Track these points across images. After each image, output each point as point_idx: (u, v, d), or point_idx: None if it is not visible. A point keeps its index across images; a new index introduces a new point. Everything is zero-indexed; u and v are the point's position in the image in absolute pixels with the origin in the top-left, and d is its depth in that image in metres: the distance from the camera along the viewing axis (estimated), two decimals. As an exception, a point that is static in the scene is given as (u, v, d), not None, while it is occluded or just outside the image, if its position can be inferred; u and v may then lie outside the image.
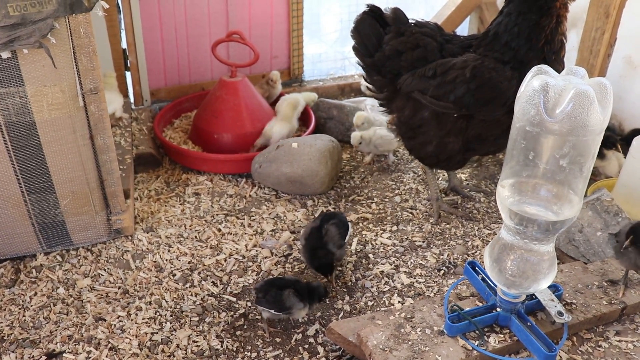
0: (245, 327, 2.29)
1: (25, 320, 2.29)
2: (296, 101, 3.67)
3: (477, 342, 1.85)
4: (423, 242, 2.80)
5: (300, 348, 2.19)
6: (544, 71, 1.63)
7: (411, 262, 2.66)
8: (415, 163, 3.56)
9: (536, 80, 1.58)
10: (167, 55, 3.94)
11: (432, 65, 2.66)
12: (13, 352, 2.13)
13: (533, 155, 1.63)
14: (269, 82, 3.97)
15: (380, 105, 3.03)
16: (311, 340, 2.23)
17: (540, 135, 1.58)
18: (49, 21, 2.06)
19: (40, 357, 2.11)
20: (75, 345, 2.17)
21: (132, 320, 2.30)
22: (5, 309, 2.34)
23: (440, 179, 3.37)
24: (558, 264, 1.85)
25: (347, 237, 2.56)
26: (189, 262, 2.64)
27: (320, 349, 2.18)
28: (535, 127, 1.57)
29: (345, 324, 2.00)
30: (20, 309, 2.35)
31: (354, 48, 2.94)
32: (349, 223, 2.64)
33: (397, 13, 2.86)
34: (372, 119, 3.51)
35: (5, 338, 2.20)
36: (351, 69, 4.73)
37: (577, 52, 2.95)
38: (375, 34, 2.85)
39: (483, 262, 1.93)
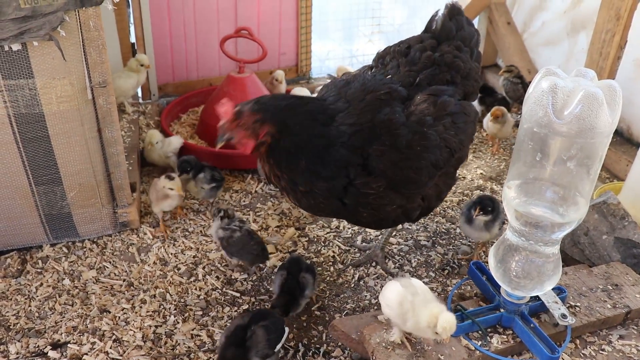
0: (248, 322, 2.29)
1: (31, 310, 2.31)
2: None
3: (480, 342, 1.85)
4: (427, 241, 2.80)
5: (300, 344, 2.20)
6: (553, 72, 1.61)
7: (415, 261, 2.66)
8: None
9: (545, 81, 1.56)
10: (175, 50, 3.95)
11: None
12: (19, 341, 2.15)
13: (540, 156, 1.62)
14: (274, 81, 3.97)
15: None
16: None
17: (548, 136, 1.57)
18: (59, 14, 2.08)
19: (45, 347, 2.13)
20: (79, 336, 2.19)
21: (136, 312, 2.32)
22: (11, 299, 2.36)
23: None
24: (563, 266, 1.85)
25: (280, 345, 2.01)
26: (193, 257, 2.65)
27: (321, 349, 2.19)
28: (543, 129, 1.56)
29: (349, 321, 2.00)
30: (26, 299, 2.37)
31: None
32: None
33: None
34: None
35: (11, 327, 2.22)
36: (358, 66, 4.72)
37: (586, 54, 2.94)
38: None
39: (487, 263, 1.93)
